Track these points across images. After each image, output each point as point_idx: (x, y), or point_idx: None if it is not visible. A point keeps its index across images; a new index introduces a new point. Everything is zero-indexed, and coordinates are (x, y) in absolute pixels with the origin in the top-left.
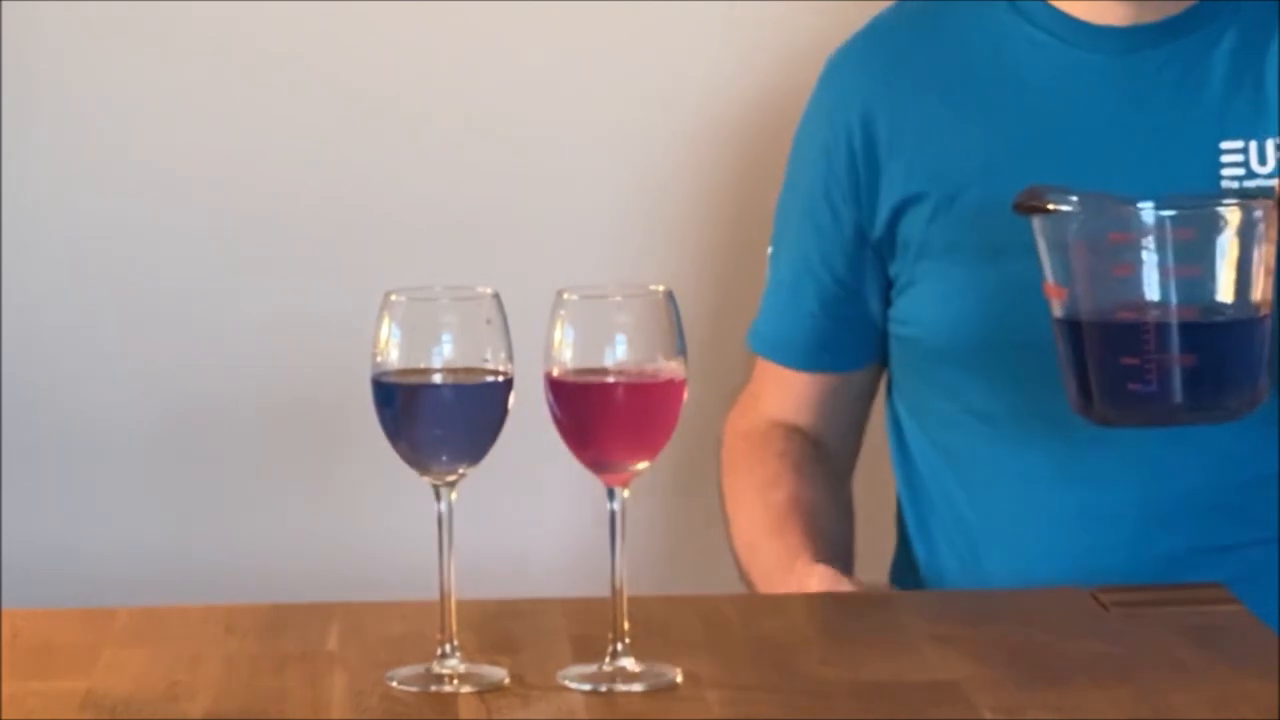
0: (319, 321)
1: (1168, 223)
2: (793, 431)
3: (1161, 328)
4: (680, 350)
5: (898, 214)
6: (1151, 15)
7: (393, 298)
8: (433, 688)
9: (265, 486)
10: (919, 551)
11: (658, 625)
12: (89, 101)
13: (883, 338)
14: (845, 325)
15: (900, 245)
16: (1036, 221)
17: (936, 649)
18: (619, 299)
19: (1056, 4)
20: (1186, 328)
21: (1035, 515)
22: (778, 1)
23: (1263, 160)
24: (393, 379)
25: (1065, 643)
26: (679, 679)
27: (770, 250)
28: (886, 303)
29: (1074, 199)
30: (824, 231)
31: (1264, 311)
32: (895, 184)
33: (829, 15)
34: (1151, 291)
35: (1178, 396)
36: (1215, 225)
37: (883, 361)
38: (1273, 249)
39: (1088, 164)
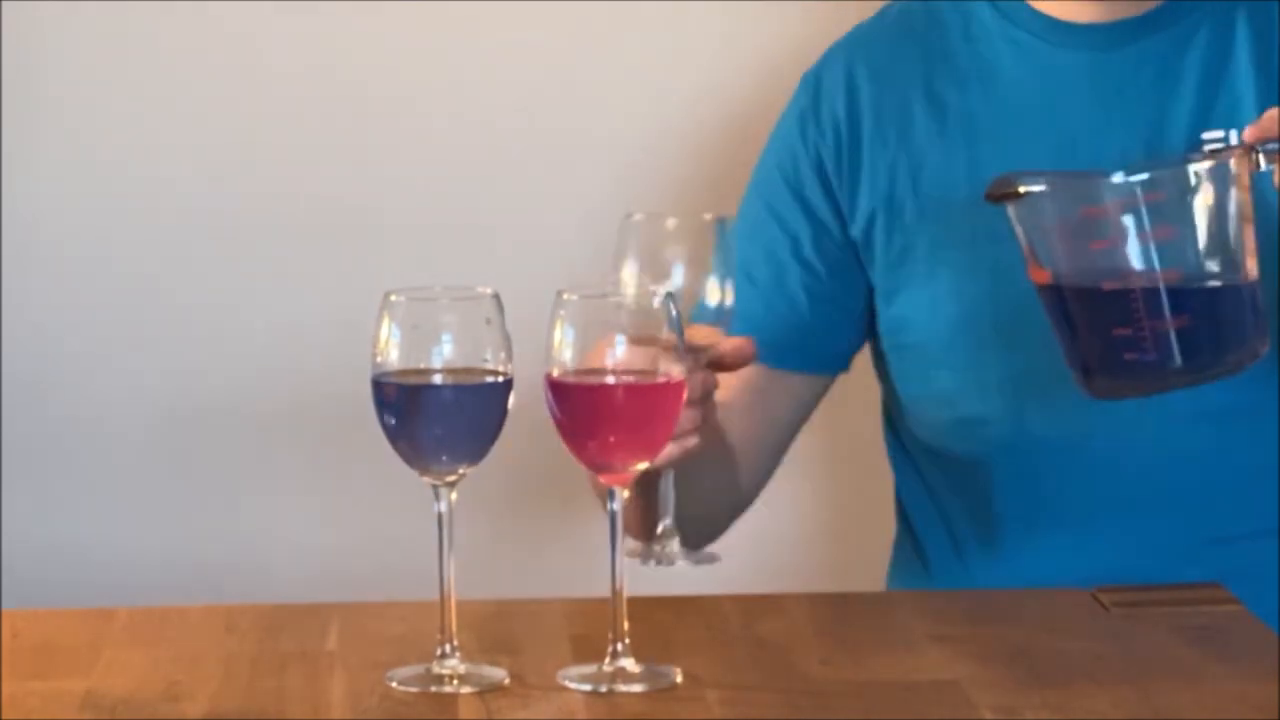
0: (319, 322)
1: (1137, 188)
2: None
3: (1148, 294)
4: (680, 351)
5: (879, 215)
6: (1127, 11)
7: (393, 298)
8: (433, 688)
9: (265, 486)
10: (918, 551)
11: (658, 625)
12: (89, 102)
13: (854, 345)
14: (826, 317)
15: (881, 248)
16: (1011, 208)
17: (936, 649)
18: (619, 299)
19: (1035, 4)
20: (1173, 290)
21: (1034, 512)
22: (778, 2)
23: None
24: (393, 379)
25: (1065, 643)
26: (679, 679)
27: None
28: (867, 311)
29: (1043, 180)
30: (812, 212)
31: (1248, 261)
32: (879, 183)
33: (829, 14)
34: (1133, 259)
35: (1176, 360)
36: (1185, 183)
37: (834, 376)
38: (1248, 196)
39: (1071, 161)
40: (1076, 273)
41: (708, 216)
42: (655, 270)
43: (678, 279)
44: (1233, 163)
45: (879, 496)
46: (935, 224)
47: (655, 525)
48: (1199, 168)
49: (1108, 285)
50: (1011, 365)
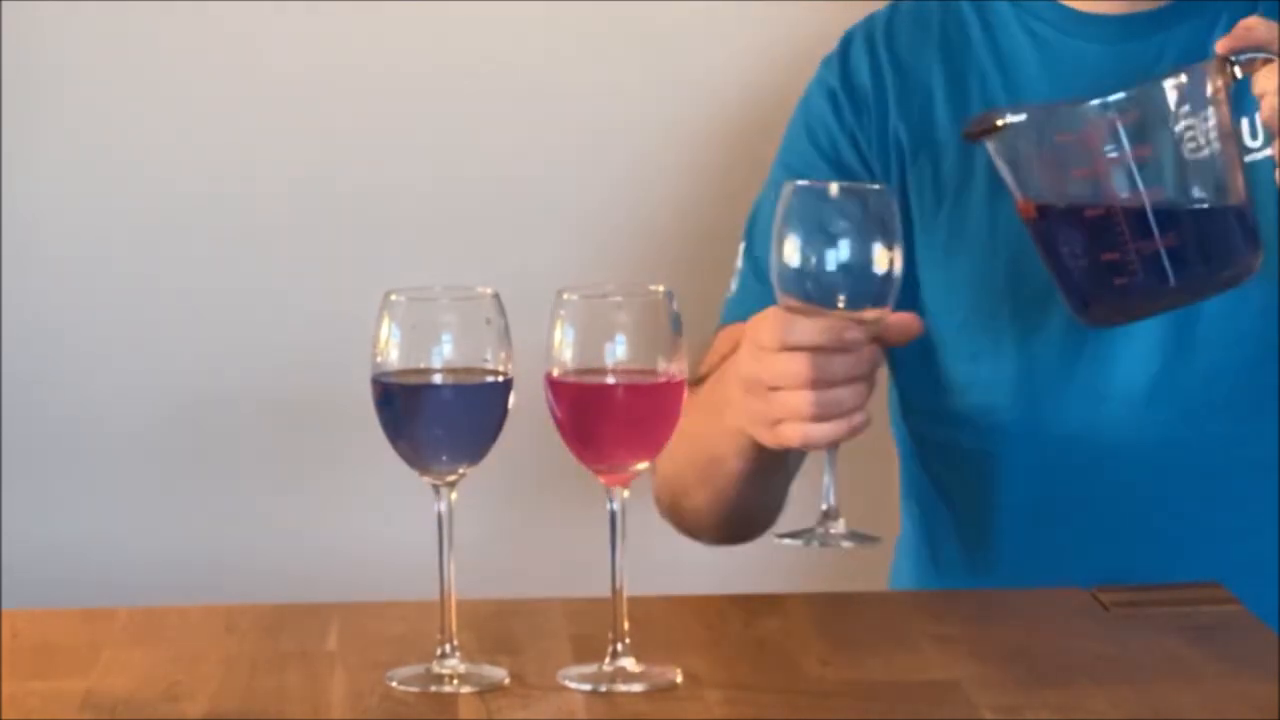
0: (319, 321)
1: (1113, 111)
2: None
3: (1132, 216)
4: (680, 350)
5: (899, 199)
6: (1147, 4)
7: (393, 298)
8: (433, 688)
9: (265, 486)
10: (923, 544)
11: (658, 625)
12: (89, 101)
13: None
14: None
15: (899, 233)
16: (990, 145)
17: (936, 649)
18: (619, 299)
19: None
20: (1157, 209)
21: (1039, 504)
22: (783, 1)
23: (1254, 135)
24: (393, 379)
25: (1065, 643)
26: (679, 679)
27: (745, 244)
28: None
29: (1020, 112)
30: (855, 179)
31: (1231, 174)
32: (902, 168)
33: (832, 12)
34: (1114, 182)
35: (1169, 280)
36: (1161, 101)
37: None
38: (1225, 108)
39: None
40: (1059, 202)
41: (875, 186)
42: (818, 239)
43: (843, 249)
44: (1208, 76)
45: (880, 496)
46: (954, 212)
47: (765, 507)
48: (1173, 84)
49: (1091, 212)
50: (1025, 354)
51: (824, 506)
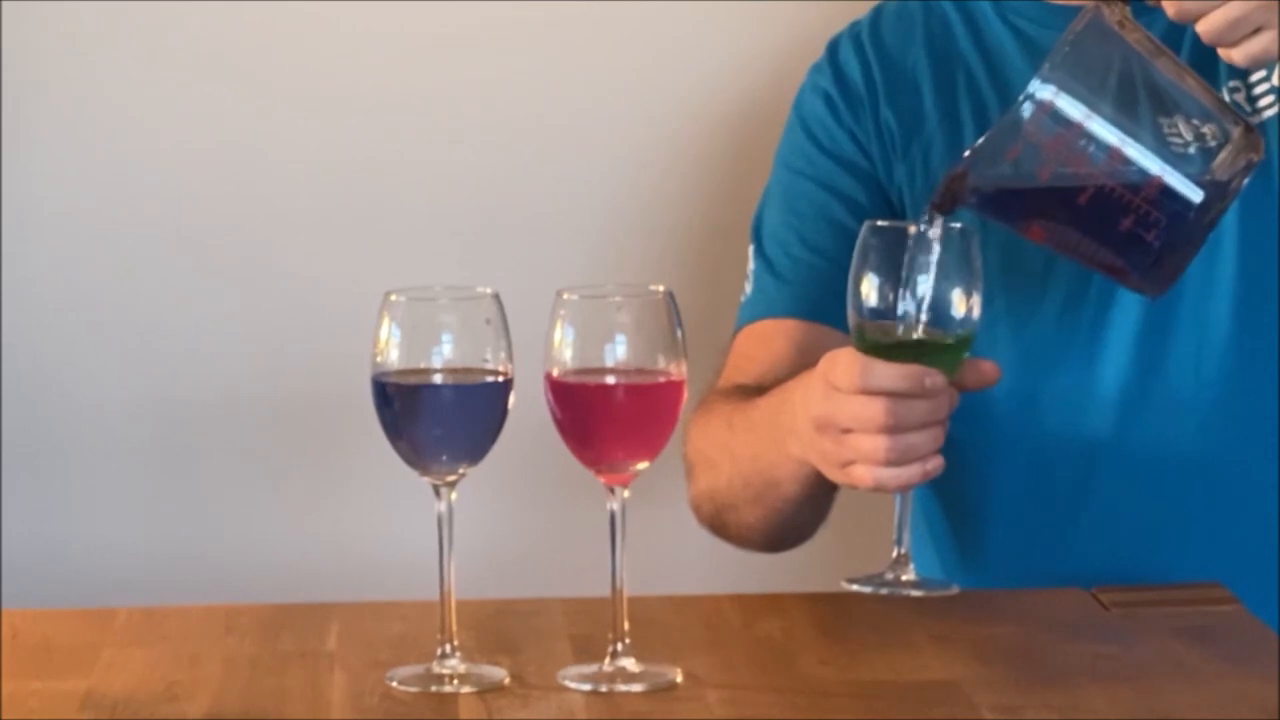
0: (319, 321)
1: (1036, 103)
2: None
3: (1118, 176)
4: (680, 350)
5: (892, 196)
6: None
7: (393, 298)
8: (433, 688)
9: (265, 486)
10: (918, 543)
11: (658, 625)
12: (89, 101)
13: None
14: None
15: None
16: (965, 202)
17: (936, 649)
18: (619, 299)
19: None
20: (1136, 155)
21: (1035, 499)
22: (779, 1)
23: (1251, 104)
24: (393, 379)
25: (1065, 643)
26: (679, 679)
27: (754, 245)
28: None
29: (963, 162)
30: (861, 173)
31: (1183, 80)
32: (893, 166)
33: (832, 12)
34: (1084, 160)
35: (1192, 203)
36: (1075, 63)
37: None
38: (1138, 31)
39: None
40: (1057, 209)
41: (955, 225)
42: (896, 280)
43: (922, 288)
44: (1103, 15)
45: (879, 496)
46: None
47: (815, 520)
48: (1074, 42)
49: (1083, 198)
50: (1021, 344)
51: (895, 553)
